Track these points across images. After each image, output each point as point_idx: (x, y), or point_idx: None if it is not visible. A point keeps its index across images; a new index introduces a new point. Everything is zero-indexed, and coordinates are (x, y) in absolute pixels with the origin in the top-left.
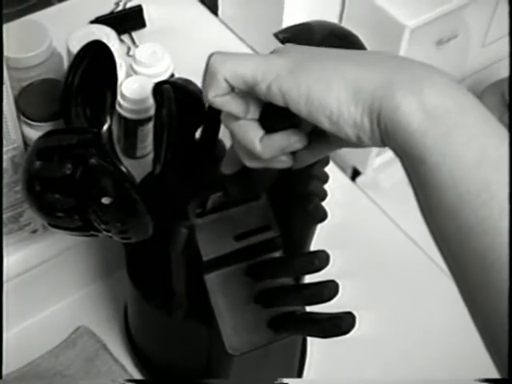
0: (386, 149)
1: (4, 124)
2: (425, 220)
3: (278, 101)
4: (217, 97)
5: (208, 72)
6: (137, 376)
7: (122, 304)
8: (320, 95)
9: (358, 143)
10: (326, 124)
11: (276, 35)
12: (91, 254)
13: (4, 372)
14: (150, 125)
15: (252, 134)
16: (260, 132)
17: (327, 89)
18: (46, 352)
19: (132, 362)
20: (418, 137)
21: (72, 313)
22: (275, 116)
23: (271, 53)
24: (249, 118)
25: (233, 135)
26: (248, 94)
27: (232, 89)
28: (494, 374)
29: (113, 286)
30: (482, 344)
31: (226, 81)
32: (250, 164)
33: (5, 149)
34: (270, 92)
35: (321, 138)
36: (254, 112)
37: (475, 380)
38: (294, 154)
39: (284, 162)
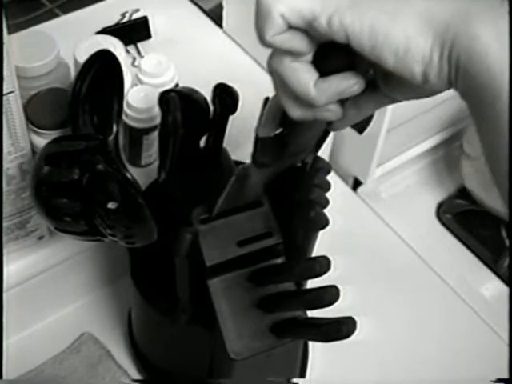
0: (387, 160)
1: (13, 131)
2: (493, 167)
3: (339, 36)
4: (275, 35)
5: (261, 11)
6: None
7: (126, 310)
8: (386, 27)
9: (422, 83)
10: (390, 60)
11: None
12: (96, 260)
13: (7, 378)
14: (155, 134)
15: (306, 76)
16: (315, 75)
17: (394, 20)
18: (49, 358)
19: (135, 367)
20: (496, 69)
21: (76, 319)
22: (332, 56)
23: None
24: (303, 60)
25: (280, 82)
26: (303, 32)
27: (289, 26)
28: (493, 377)
29: (116, 293)
30: (480, 348)
31: (282, 17)
32: (297, 113)
33: (13, 156)
34: (331, 26)
35: (371, 91)
36: (309, 53)
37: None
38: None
39: (333, 112)
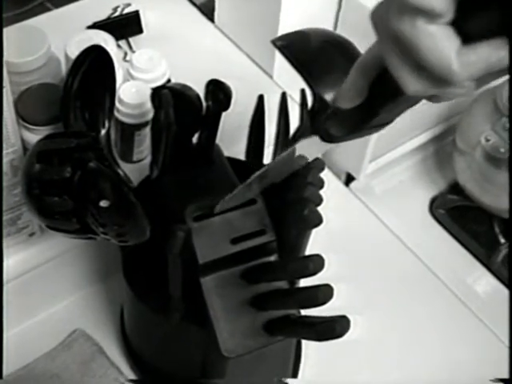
0: (380, 155)
1: (4, 128)
2: None
3: None
4: None
5: None
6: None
7: (118, 307)
8: None
9: None
10: None
11: (273, 42)
12: (88, 257)
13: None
14: (147, 129)
15: (447, 43)
16: (456, 42)
17: None
18: (41, 355)
19: (128, 364)
20: None
21: (68, 316)
22: (482, 16)
23: None
24: (441, 22)
25: (402, 47)
26: None
27: None
28: (486, 375)
29: (109, 289)
30: (473, 344)
31: None
32: (416, 87)
33: (4, 152)
34: None
35: None
36: (449, 12)
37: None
38: None
39: (468, 89)
